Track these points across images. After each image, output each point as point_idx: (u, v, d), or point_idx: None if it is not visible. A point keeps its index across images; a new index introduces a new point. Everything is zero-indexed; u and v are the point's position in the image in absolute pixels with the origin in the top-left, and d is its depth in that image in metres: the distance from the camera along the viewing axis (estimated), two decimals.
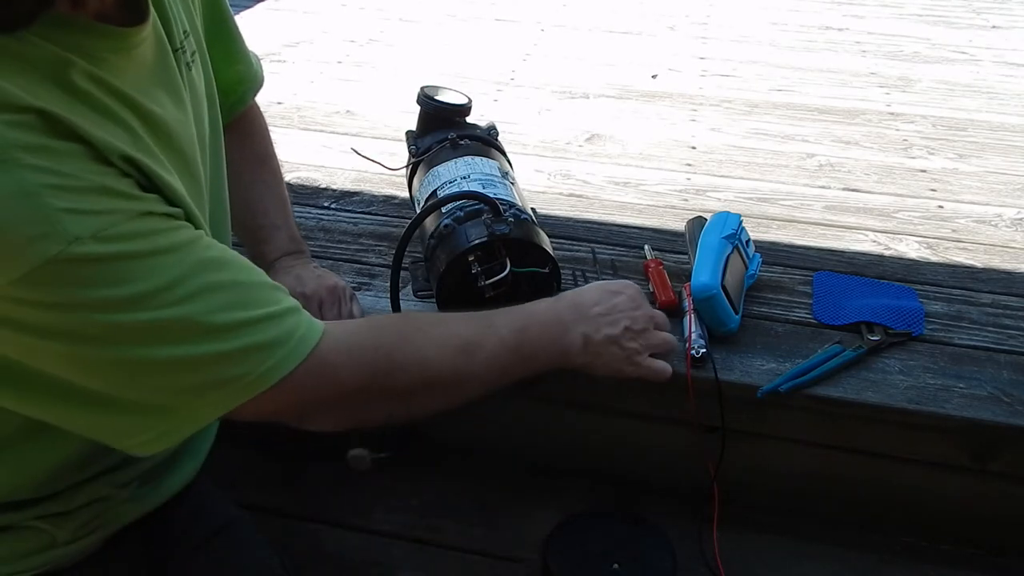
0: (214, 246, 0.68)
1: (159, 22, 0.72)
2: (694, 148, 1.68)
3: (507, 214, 1.00)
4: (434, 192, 1.10)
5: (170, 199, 0.66)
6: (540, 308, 0.90)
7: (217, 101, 0.88)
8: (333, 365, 0.72)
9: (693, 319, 1.07)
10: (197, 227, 0.69)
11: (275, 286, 0.72)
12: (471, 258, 0.97)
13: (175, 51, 0.75)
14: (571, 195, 1.47)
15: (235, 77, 1.02)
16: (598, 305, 0.91)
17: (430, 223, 1.05)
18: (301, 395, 0.70)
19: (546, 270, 1.01)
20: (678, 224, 1.33)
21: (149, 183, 0.65)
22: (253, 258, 1.07)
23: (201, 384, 0.66)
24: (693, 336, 1.05)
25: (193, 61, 0.79)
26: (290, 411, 0.72)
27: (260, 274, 0.71)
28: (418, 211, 1.08)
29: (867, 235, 1.38)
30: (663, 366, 0.94)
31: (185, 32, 0.78)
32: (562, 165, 1.58)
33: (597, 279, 1.19)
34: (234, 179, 0.97)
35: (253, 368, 0.66)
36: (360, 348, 0.76)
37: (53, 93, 0.59)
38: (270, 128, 1.13)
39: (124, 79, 0.65)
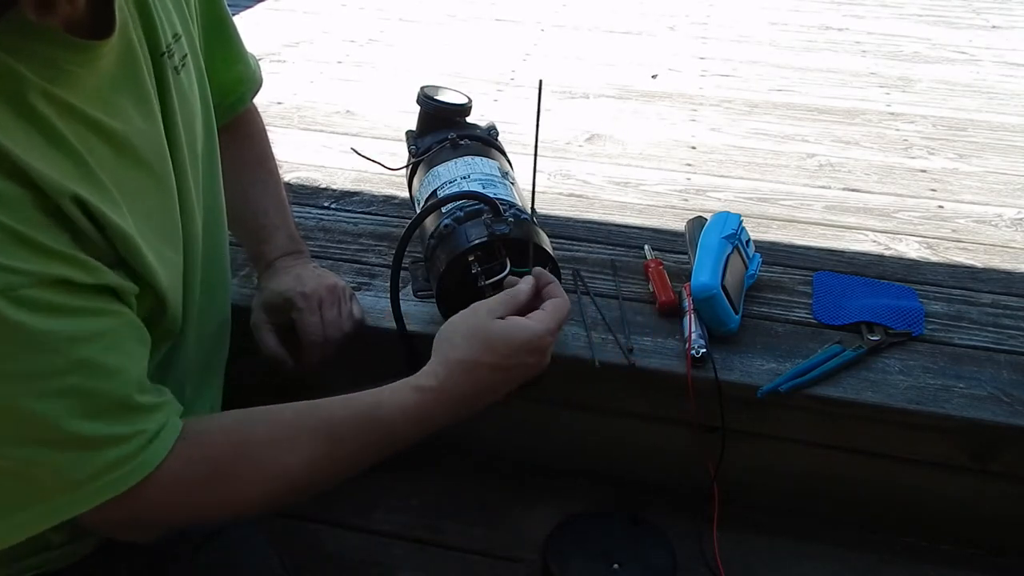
0: (111, 349, 0.64)
1: (138, 27, 0.71)
2: (694, 148, 1.68)
3: (507, 214, 1.00)
4: (434, 192, 1.10)
5: (115, 245, 0.64)
6: (408, 411, 0.76)
7: (211, 104, 0.87)
8: (157, 503, 0.68)
9: (693, 319, 1.07)
10: (147, 270, 0.67)
11: (151, 408, 0.67)
12: (471, 258, 0.96)
13: (160, 56, 0.73)
14: (571, 195, 1.47)
15: (235, 77, 1.02)
16: (489, 389, 0.79)
17: (430, 223, 1.05)
18: (129, 514, 0.67)
19: (545, 269, 1.00)
20: (678, 224, 1.33)
21: (94, 225, 0.63)
22: (253, 258, 1.07)
23: (27, 489, 0.63)
24: (693, 336, 1.05)
25: (183, 65, 0.78)
26: (117, 529, 0.71)
27: (139, 391, 0.67)
28: (418, 211, 1.08)
29: (867, 235, 1.38)
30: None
31: (175, 35, 0.77)
32: (562, 165, 1.58)
33: (612, 282, 1.19)
34: (233, 180, 0.96)
35: (82, 485, 0.63)
36: (191, 480, 0.70)
37: (5, 116, 0.57)
38: (270, 128, 1.13)
39: (83, 94, 0.63)
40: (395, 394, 0.76)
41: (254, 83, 1.06)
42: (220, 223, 0.92)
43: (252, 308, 1.03)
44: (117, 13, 0.66)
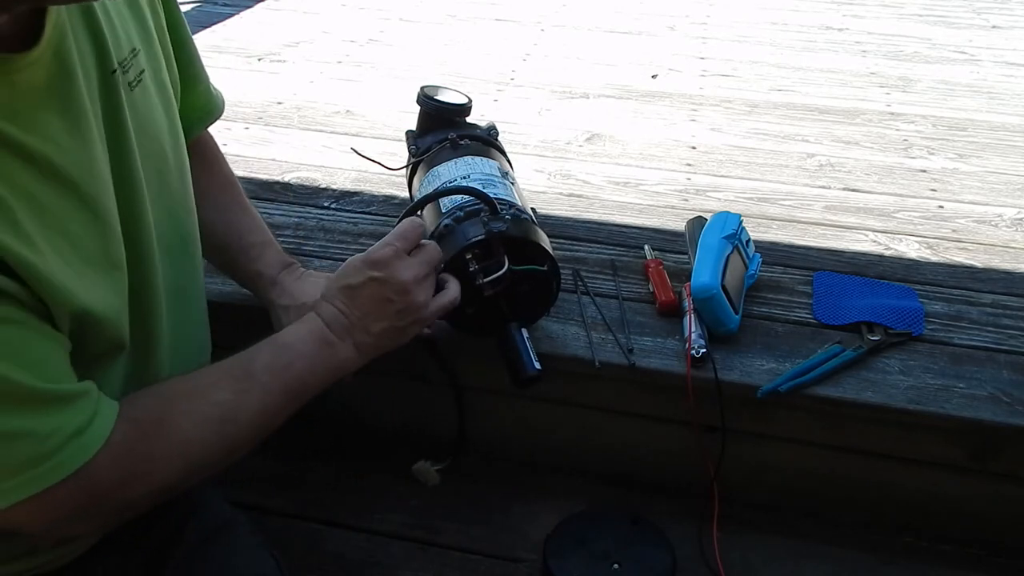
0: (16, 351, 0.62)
1: (83, 44, 0.68)
2: (694, 148, 1.68)
3: (505, 212, 1.00)
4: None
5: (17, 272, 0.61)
6: (303, 334, 0.85)
7: (179, 121, 0.85)
8: (96, 481, 0.67)
9: (693, 319, 1.07)
10: (53, 290, 0.64)
11: (59, 397, 0.66)
12: (468, 256, 0.96)
13: (111, 73, 0.71)
14: (571, 195, 1.47)
15: (191, 100, 0.97)
16: (357, 309, 0.86)
17: (430, 223, 1.05)
18: (56, 512, 0.67)
19: (544, 267, 1.01)
20: (678, 224, 1.33)
21: None
22: (248, 278, 1.05)
23: None
24: (693, 336, 1.05)
25: (139, 81, 0.76)
26: (39, 526, 0.69)
27: (52, 376, 0.65)
28: (418, 211, 1.08)
29: (867, 235, 1.38)
30: (451, 294, 0.92)
31: (133, 51, 0.75)
32: (562, 165, 1.58)
33: (612, 282, 1.18)
34: (206, 205, 0.95)
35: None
36: (124, 455, 0.70)
37: None
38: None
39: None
40: (290, 328, 0.86)
41: (213, 109, 1.03)
42: (191, 244, 0.90)
43: (280, 327, 1.00)
44: (49, 29, 0.63)
